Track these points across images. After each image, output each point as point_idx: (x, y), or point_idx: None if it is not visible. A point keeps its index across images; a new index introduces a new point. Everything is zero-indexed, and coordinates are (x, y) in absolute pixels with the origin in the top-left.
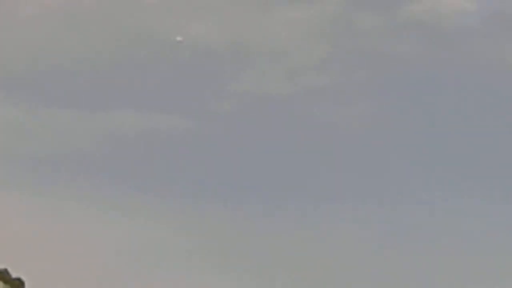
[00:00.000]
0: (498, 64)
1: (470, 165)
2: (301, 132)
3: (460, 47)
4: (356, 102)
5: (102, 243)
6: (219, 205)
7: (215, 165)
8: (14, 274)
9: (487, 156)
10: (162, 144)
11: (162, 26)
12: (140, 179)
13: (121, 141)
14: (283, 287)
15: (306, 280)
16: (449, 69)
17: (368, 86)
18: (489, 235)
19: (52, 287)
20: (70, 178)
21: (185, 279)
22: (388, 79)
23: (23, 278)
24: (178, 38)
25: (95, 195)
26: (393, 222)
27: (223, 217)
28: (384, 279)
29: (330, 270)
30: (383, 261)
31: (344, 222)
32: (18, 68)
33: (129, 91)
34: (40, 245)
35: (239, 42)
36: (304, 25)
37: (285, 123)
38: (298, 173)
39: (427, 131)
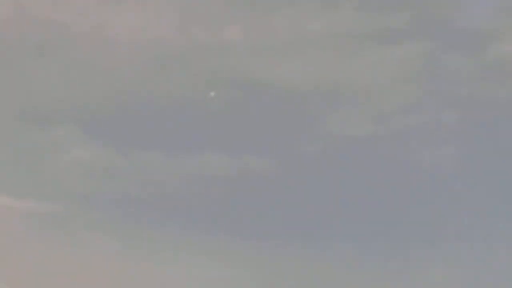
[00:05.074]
0: None
1: None
2: (388, 174)
3: None
4: (444, 144)
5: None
6: (305, 247)
7: (302, 207)
8: None
9: None
10: (250, 186)
11: (249, 67)
12: (225, 221)
13: (209, 183)
14: None
15: None
16: None
17: (456, 128)
18: None
19: None
20: (158, 220)
21: None
22: (477, 122)
23: None
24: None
25: (178, 236)
26: (480, 264)
27: (307, 260)
28: None
29: None
30: None
31: (434, 263)
32: (108, 110)
33: (217, 134)
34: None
35: (326, 84)
36: (391, 67)
37: (372, 165)
38: (385, 214)
39: None
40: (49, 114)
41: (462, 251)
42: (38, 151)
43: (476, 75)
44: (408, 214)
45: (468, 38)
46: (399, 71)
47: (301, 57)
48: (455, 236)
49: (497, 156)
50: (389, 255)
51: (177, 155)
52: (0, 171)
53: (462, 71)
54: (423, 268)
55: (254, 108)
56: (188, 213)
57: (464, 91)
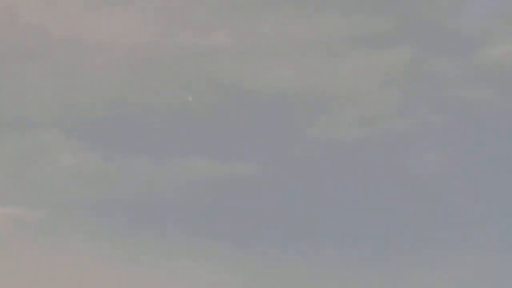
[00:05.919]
0: None
1: None
2: (374, 178)
3: None
4: (431, 148)
5: None
6: (294, 250)
7: (289, 211)
8: None
9: None
10: (237, 190)
11: (236, 72)
12: (212, 225)
13: (196, 187)
14: None
15: None
16: None
17: (442, 133)
18: None
19: None
20: (145, 224)
21: None
22: (463, 126)
23: None
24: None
25: (166, 241)
26: (464, 269)
27: (297, 263)
28: None
29: None
30: None
31: (420, 268)
32: (94, 115)
33: (204, 138)
34: None
35: (313, 89)
36: (377, 71)
37: (359, 169)
38: (369, 219)
39: (503, 180)
40: (33, 120)
41: (449, 256)
42: (23, 157)
43: (463, 79)
44: (395, 219)
45: (455, 42)
46: (385, 75)
47: (287, 61)
48: (442, 241)
49: (484, 160)
50: (377, 259)
51: (164, 159)
52: None
53: (449, 75)
54: (409, 274)
55: (240, 113)
56: (175, 217)
57: (451, 95)
